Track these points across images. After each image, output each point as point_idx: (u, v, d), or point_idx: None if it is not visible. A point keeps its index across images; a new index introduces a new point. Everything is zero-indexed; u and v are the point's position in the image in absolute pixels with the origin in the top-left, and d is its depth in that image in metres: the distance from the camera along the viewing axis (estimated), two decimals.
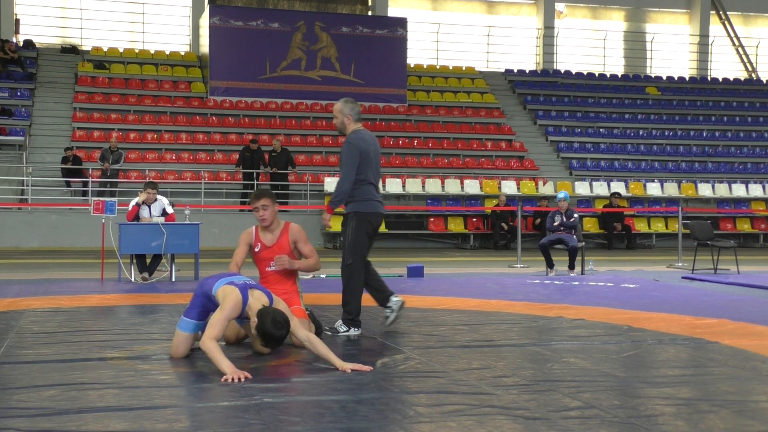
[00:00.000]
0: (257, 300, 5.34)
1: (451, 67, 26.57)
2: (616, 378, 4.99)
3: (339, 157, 6.08)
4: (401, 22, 24.22)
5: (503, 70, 27.21)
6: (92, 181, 18.36)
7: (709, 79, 28.94)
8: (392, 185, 19.91)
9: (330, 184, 19.60)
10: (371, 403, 4.31)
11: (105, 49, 24.01)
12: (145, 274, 10.66)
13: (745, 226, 21.59)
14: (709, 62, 29.58)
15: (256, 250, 6.34)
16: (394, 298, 6.77)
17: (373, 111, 23.28)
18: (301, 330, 5.45)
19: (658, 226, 20.96)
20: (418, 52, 26.65)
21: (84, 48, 24.27)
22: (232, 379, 4.76)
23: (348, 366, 5.09)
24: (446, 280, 11.17)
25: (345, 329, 6.58)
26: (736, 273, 12.37)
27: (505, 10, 28.51)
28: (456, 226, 19.71)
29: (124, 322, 7.20)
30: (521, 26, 28.45)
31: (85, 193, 18.45)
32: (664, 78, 28.28)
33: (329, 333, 6.54)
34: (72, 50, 23.99)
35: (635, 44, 29.61)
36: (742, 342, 6.20)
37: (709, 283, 11.01)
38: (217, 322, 5.19)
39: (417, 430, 3.84)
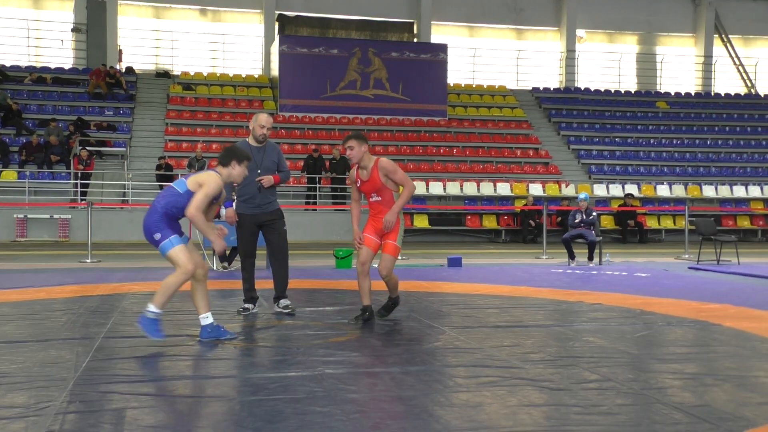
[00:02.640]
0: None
1: (485, 86, 26.39)
2: (630, 355, 4.92)
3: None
4: (442, 48, 24.12)
5: (531, 88, 26.94)
6: None
7: (712, 94, 28.27)
8: (435, 188, 19.88)
9: None
10: (417, 374, 4.31)
11: (192, 74, 24.35)
12: (225, 264, 10.79)
13: (745, 223, 21.11)
14: (712, 79, 28.91)
15: (357, 184, 6.18)
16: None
17: (418, 124, 23.25)
18: (385, 266, 5.56)
19: (667, 223, 20.56)
20: (457, 73, 26.52)
21: (174, 73, 24.65)
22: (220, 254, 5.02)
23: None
24: (481, 269, 11.11)
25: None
26: (737, 264, 12.07)
27: (533, 36, 28.22)
28: (490, 222, 19.58)
29: None
30: (546, 50, 28.12)
31: None
32: (673, 93, 27.70)
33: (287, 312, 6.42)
34: (165, 75, 24.39)
35: (647, 64, 29.06)
36: (742, 324, 6.06)
37: (712, 272, 10.77)
38: (203, 197, 5.05)
39: (456, 398, 3.84)
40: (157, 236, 5.14)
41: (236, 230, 6.51)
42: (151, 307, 5.09)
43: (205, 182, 5.11)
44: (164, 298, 5.09)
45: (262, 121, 6.44)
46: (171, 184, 5.31)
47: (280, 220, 6.51)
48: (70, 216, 17.31)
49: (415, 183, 6.02)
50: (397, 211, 5.93)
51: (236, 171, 5.34)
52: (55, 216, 17.25)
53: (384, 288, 6.37)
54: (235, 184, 5.60)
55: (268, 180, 6.35)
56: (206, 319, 5.30)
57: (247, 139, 6.59)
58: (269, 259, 6.56)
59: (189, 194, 5.12)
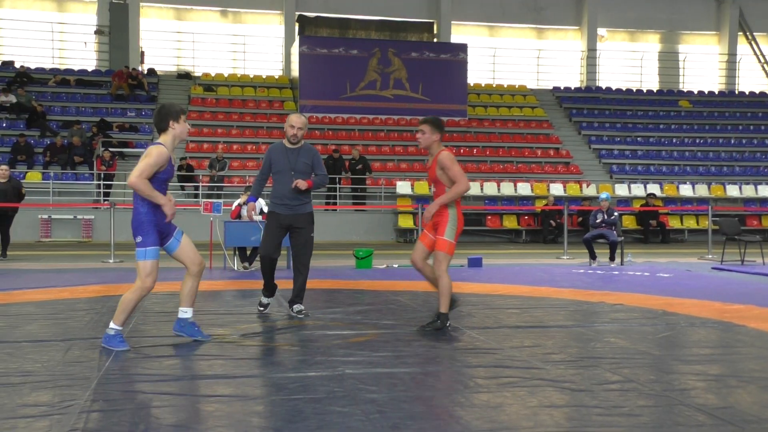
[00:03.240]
0: None
1: (505, 85, 26.30)
2: (652, 356, 4.87)
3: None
4: (462, 47, 24.06)
5: (551, 88, 26.80)
6: (202, 186, 18.77)
7: (736, 92, 27.95)
8: None
9: (401, 187, 19.64)
10: (437, 375, 4.30)
11: (213, 75, 24.50)
12: (246, 264, 10.85)
13: None
14: (736, 78, 28.58)
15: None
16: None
17: None
18: (437, 265, 5.52)
19: (690, 223, 20.35)
20: (477, 73, 26.45)
21: (195, 74, 24.82)
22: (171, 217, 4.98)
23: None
24: (501, 269, 11.08)
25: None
26: (762, 264, 11.93)
27: (553, 35, 28.07)
28: (510, 222, 19.50)
29: (228, 304, 7.34)
30: (567, 49, 27.97)
31: (196, 196, 18.88)
32: (695, 92, 27.43)
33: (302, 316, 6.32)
34: (186, 76, 24.56)
35: (669, 63, 28.80)
36: (767, 325, 5.98)
37: (736, 273, 10.64)
38: (144, 165, 4.84)
39: (477, 398, 3.83)
40: (138, 239, 4.98)
41: (263, 229, 6.50)
42: (112, 325, 4.97)
43: (147, 153, 4.93)
44: (124, 315, 4.96)
45: (292, 120, 6.38)
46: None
47: (310, 226, 6.38)
48: (93, 216, 17.49)
49: (465, 180, 5.52)
50: (438, 203, 5.65)
51: (178, 128, 5.01)
52: (79, 216, 17.43)
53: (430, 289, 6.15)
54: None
55: (302, 184, 6.25)
56: (185, 313, 5.27)
57: (282, 141, 6.48)
58: (292, 262, 6.50)
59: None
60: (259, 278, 7.26)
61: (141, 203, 4.97)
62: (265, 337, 5.58)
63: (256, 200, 6.54)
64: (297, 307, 6.41)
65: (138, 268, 4.96)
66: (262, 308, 6.53)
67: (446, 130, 25.07)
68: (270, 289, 6.51)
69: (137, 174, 4.83)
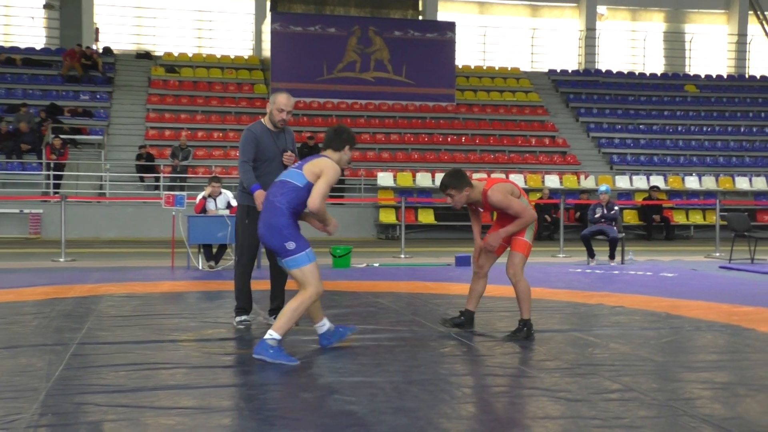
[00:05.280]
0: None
1: (497, 68, 26.37)
2: (655, 362, 4.91)
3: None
4: (450, 26, 24.09)
5: (547, 70, 26.91)
6: (164, 177, 18.66)
7: (746, 76, 28.22)
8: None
9: (383, 178, 19.63)
10: (421, 384, 4.31)
11: (175, 55, 24.35)
12: (212, 263, 10.80)
13: None
14: (747, 60, 28.85)
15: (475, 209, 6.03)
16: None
17: (424, 110, 23.22)
18: (510, 263, 5.58)
19: (696, 218, 20.53)
20: (466, 54, 26.48)
21: (156, 53, 24.65)
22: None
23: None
24: (492, 268, 11.08)
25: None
26: None
27: (549, 13, 28.16)
28: None
29: (192, 307, 7.30)
30: (564, 28, 28.07)
31: (157, 188, 18.76)
32: (703, 76, 27.65)
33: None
34: (146, 56, 24.39)
35: (674, 44, 29.01)
36: None
37: (746, 272, 10.75)
38: (326, 186, 4.89)
39: (465, 409, 3.83)
40: (291, 245, 4.91)
41: (242, 227, 6.15)
42: (273, 334, 4.84)
43: (324, 170, 4.91)
44: (289, 324, 4.93)
45: (280, 103, 6.01)
46: (282, 179, 5.05)
47: None
48: (41, 210, 17.33)
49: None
50: (504, 234, 5.72)
51: (346, 156, 5.17)
52: (26, 210, 17.26)
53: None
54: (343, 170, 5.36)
55: (292, 158, 6.03)
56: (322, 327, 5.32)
57: (262, 121, 6.16)
58: (270, 263, 6.18)
59: (309, 186, 4.91)
60: (227, 278, 7.23)
61: (287, 209, 4.92)
62: (232, 343, 5.55)
63: (260, 187, 5.94)
64: None
65: (301, 277, 4.97)
66: (243, 326, 6.11)
67: (432, 116, 24.98)
68: (249, 303, 6.20)
69: (322, 197, 4.87)
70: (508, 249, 5.85)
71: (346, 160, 5.18)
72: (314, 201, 4.85)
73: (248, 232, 6.08)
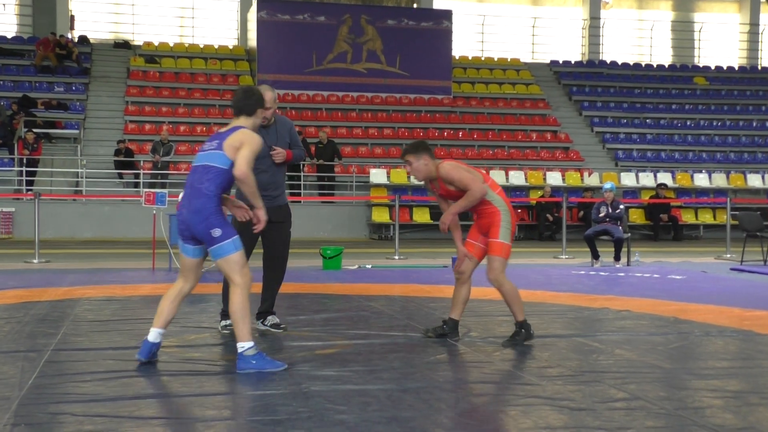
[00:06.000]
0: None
1: (496, 59, 26.39)
2: (663, 370, 4.93)
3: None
4: (446, 14, 24.11)
5: (548, 61, 26.95)
6: (143, 173, 18.62)
7: (759, 68, 28.33)
8: None
9: (376, 175, 19.63)
10: (416, 392, 4.31)
11: (156, 44, 24.30)
12: None
13: None
14: (759, 51, 28.95)
15: (437, 194, 5.94)
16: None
17: (419, 103, 23.24)
18: (490, 268, 5.55)
19: (706, 217, 20.60)
20: (464, 44, 26.51)
21: (136, 43, 24.60)
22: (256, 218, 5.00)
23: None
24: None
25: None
26: None
27: (551, 1, 28.21)
28: None
29: None
30: (566, 17, 28.13)
31: (136, 185, 18.73)
32: (713, 68, 27.75)
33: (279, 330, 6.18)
34: (124, 45, 24.34)
35: (683, 34, 29.09)
36: None
37: (758, 274, 10.79)
38: (251, 154, 4.87)
39: (462, 419, 3.83)
40: (217, 232, 4.84)
41: (234, 225, 6.13)
42: (244, 345, 4.79)
43: (245, 141, 4.88)
44: (246, 325, 4.82)
45: (267, 101, 5.85)
46: (201, 162, 4.96)
47: (288, 220, 6.27)
48: (13, 209, 17.27)
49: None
50: (452, 212, 5.65)
51: (258, 120, 5.24)
52: None
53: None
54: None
55: (281, 154, 6.02)
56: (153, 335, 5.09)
57: None
58: (267, 264, 6.21)
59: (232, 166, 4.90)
60: (211, 281, 7.23)
61: (211, 194, 4.87)
62: (217, 350, 5.55)
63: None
64: (272, 319, 6.25)
65: (227, 268, 4.86)
66: (228, 331, 6.09)
67: (427, 110, 24.99)
68: None
69: (248, 164, 4.83)
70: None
71: (258, 124, 5.27)
72: (241, 168, 4.81)
73: (240, 230, 6.03)
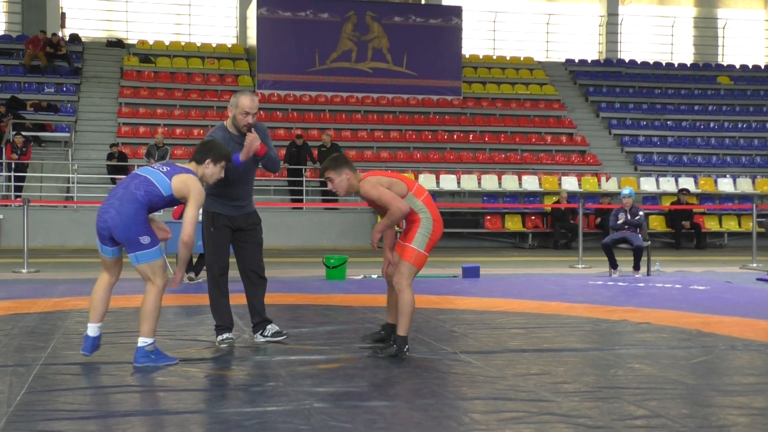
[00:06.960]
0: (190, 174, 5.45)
1: (508, 57, 26.41)
2: (685, 385, 4.91)
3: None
4: (456, 11, 24.15)
5: (564, 60, 26.96)
6: None
7: None
8: (447, 182, 19.88)
9: None
10: (425, 409, 4.31)
11: (150, 43, 24.39)
12: (192, 274, 10.77)
13: None
14: None
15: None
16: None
17: (427, 104, 23.26)
18: (399, 277, 5.60)
19: (731, 225, 20.55)
20: (474, 42, 26.54)
21: (129, 41, 24.69)
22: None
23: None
24: (503, 280, 11.11)
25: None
26: None
27: None
28: (513, 224, 19.59)
29: (170, 324, 7.28)
30: (583, 14, 28.15)
31: None
32: (738, 66, 27.72)
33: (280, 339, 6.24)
34: (117, 44, 24.42)
35: (706, 31, 29.08)
36: None
37: None
38: (195, 215, 5.30)
39: None
40: (146, 240, 5.30)
41: (208, 236, 6.19)
42: (146, 340, 5.35)
43: (191, 195, 5.29)
44: (155, 322, 5.39)
45: (245, 106, 5.98)
46: (145, 174, 5.37)
47: (260, 226, 6.38)
48: (1, 216, 17.32)
49: (414, 177, 5.62)
50: (378, 230, 5.81)
51: (209, 171, 5.50)
52: None
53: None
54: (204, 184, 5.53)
55: (256, 138, 5.95)
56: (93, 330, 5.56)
57: (225, 124, 6.19)
58: (245, 273, 6.26)
59: (169, 199, 5.34)
60: (205, 291, 7.19)
61: (145, 203, 5.27)
62: (214, 364, 5.55)
63: (238, 159, 5.97)
64: (271, 327, 6.24)
65: (149, 272, 5.37)
66: (225, 345, 6.09)
67: (436, 111, 25.00)
68: (229, 320, 6.18)
69: (193, 230, 5.29)
70: None
71: (210, 174, 5.52)
72: (188, 232, 5.26)
73: (215, 241, 6.16)
